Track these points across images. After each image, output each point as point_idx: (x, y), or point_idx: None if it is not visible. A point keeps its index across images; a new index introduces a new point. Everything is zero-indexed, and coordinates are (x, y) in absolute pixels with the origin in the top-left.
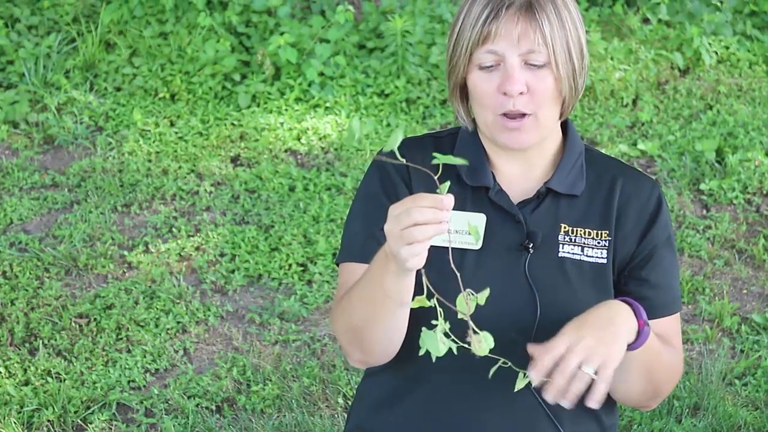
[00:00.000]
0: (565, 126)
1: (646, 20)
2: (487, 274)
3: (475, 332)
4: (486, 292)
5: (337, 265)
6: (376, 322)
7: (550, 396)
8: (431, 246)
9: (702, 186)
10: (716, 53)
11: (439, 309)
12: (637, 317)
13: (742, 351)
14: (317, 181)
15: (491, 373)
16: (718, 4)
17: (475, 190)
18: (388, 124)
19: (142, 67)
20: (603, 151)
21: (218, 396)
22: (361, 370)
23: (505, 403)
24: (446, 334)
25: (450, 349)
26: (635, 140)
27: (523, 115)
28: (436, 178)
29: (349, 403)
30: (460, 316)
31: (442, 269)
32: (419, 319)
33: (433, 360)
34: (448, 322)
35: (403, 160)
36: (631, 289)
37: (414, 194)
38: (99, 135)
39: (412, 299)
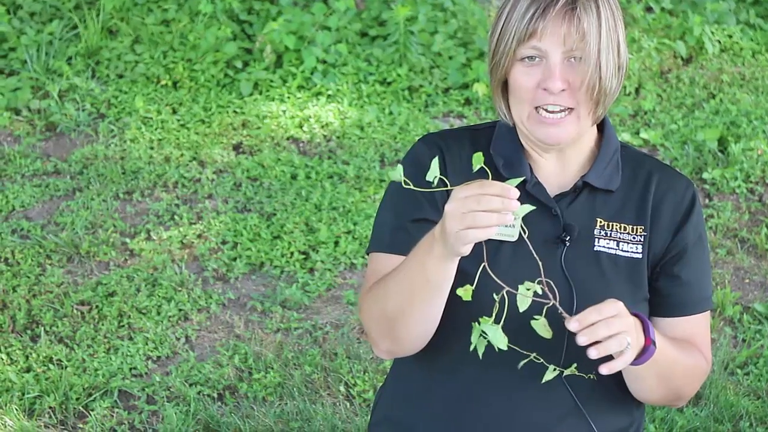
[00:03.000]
0: (601, 123)
1: (649, 9)
2: (525, 266)
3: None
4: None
5: (367, 254)
6: (413, 310)
7: (582, 338)
8: None
9: (704, 175)
10: (719, 42)
11: (503, 302)
12: (646, 335)
13: (743, 340)
14: (319, 169)
15: (520, 365)
16: None
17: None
18: (390, 113)
19: (144, 54)
20: None
21: (220, 384)
22: (365, 360)
23: (537, 396)
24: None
25: (489, 344)
26: (638, 129)
27: (562, 110)
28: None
29: (351, 391)
30: (550, 304)
31: (479, 258)
32: (451, 311)
33: (497, 350)
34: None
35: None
36: (662, 285)
37: (482, 180)
38: (101, 122)
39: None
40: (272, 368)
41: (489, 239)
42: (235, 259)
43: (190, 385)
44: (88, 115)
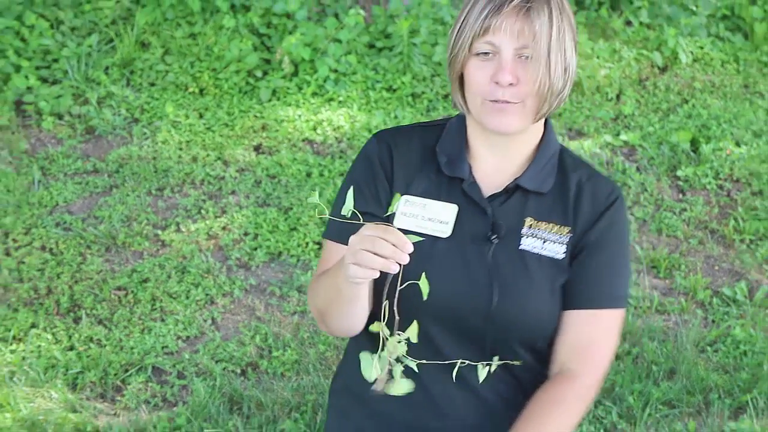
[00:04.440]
0: (545, 126)
1: (628, 23)
2: (454, 261)
3: (397, 366)
4: (414, 328)
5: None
6: (336, 310)
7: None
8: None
9: (678, 173)
10: (692, 53)
11: (383, 338)
12: None
13: (713, 321)
14: (331, 168)
15: (454, 375)
16: (694, 8)
17: (452, 180)
18: (396, 117)
19: (174, 65)
20: (589, 141)
21: (243, 361)
22: None
23: (475, 383)
24: (391, 365)
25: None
26: (618, 131)
27: (510, 103)
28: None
29: None
30: (393, 355)
31: (415, 255)
32: (387, 290)
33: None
34: (386, 352)
35: (360, 219)
36: (570, 276)
37: (388, 227)
38: (135, 126)
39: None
40: (290, 347)
41: (420, 238)
42: (256, 249)
43: (216, 362)
44: (124, 120)
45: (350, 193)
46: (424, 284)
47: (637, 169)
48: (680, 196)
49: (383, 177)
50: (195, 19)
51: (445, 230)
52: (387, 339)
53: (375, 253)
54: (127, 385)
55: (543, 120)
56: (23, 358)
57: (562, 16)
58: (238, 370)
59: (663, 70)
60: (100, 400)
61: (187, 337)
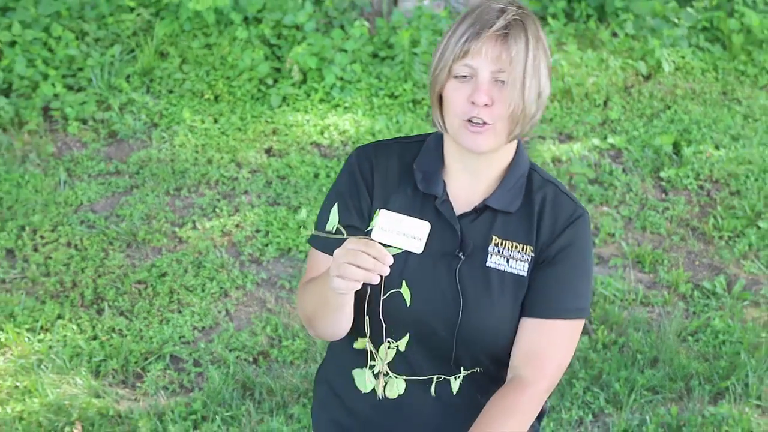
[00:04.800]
0: (516, 147)
1: (615, 34)
2: (425, 275)
3: (389, 375)
4: (405, 339)
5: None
6: (322, 317)
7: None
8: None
9: (662, 174)
10: (674, 62)
11: (371, 352)
12: None
13: (694, 313)
14: (338, 169)
15: (433, 390)
16: (676, 21)
17: (426, 196)
18: (397, 121)
19: (191, 73)
20: (578, 144)
21: (255, 349)
22: None
23: (439, 401)
24: (376, 375)
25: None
26: (605, 135)
27: (485, 123)
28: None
29: None
30: (378, 363)
31: (394, 267)
32: (366, 306)
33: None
34: (379, 362)
35: (344, 234)
36: (528, 287)
37: (369, 241)
38: (154, 130)
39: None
40: (298, 337)
41: (399, 250)
42: (267, 245)
43: (230, 350)
44: (144, 125)
45: (334, 209)
46: (405, 292)
47: (623, 170)
48: (663, 195)
49: (365, 190)
50: (210, 31)
51: (418, 246)
52: (376, 353)
53: (357, 266)
54: (146, 373)
55: (515, 141)
56: (50, 347)
57: (537, 44)
58: (250, 359)
59: (647, 78)
60: (122, 387)
61: (203, 328)
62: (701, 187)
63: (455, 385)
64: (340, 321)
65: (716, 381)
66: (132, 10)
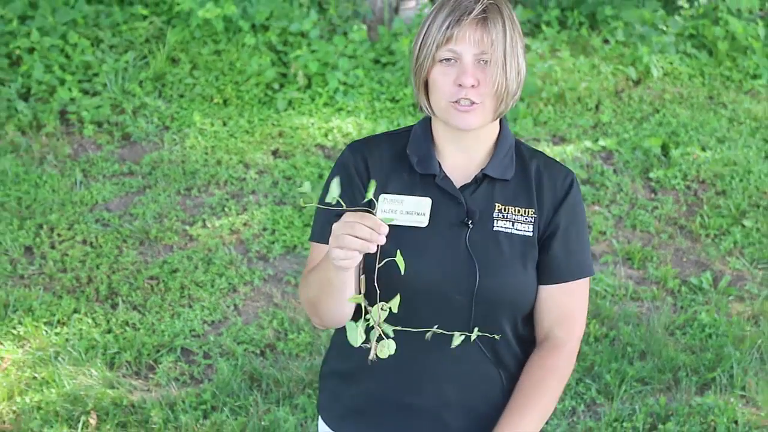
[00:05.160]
0: (500, 124)
1: (606, 41)
2: (435, 247)
3: (382, 338)
4: (397, 300)
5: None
6: (326, 300)
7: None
8: (393, 224)
9: (651, 174)
10: (662, 68)
11: (365, 308)
12: None
13: (681, 307)
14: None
15: (427, 336)
16: (664, 28)
17: (424, 177)
18: (398, 124)
19: (201, 78)
20: (571, 146)
21: (262, 342)
22: None
23: (455, 352)
24: (367, 331)
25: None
26: (597, 137)
27: (473, 103)
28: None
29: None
30: (371, 323)
31: (398, 242)
32: (363, 269)
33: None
34: (371, 321)
35: (343, 206)
36: (542, 257)
37: (365, 213)
38: (166, 133)
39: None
40: (303, 330)
41: (403, 228)
42: (273, 243)
43: (238, 343)
44: (156, 127)
45: (335, 181)
46: (399, 261)
47: (614, 171)
48: (652, 195)
49: (358, 182)
50: (219, 38)
51: (422, 221)
52: (369, 308)
53: (355, 236)
54: (158, 365)
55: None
56: (66, 340)
57: (513, 26)
58: (258, 351)
59: (637, 83)
60: (135, 378)
61: (212, 322)
62: (688, 188)
63: (457, 340)
64: (342, 303)
65: (703, 372)
66: (145, 18)
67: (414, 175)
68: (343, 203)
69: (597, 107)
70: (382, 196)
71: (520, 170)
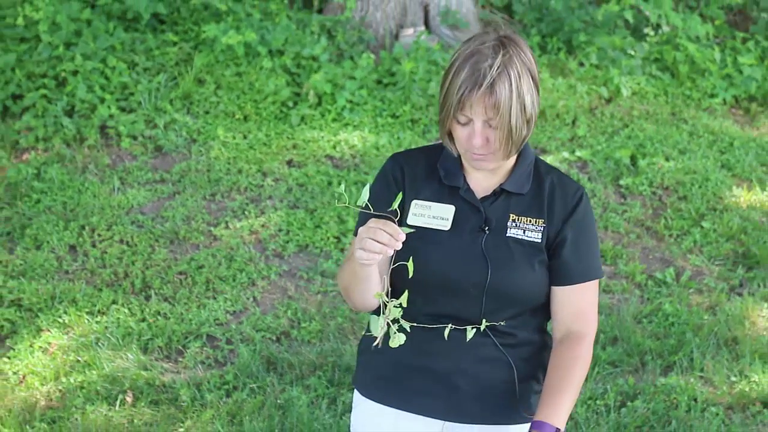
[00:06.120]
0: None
1: (581, 64)
2: (456, 248)
3: (398, 331)
4: (405, 295)
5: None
6: (354, 288)
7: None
8: (418, 226)
9: (621, 182)
10: (631, 88)
11: (385, 304)
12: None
13: (648, 299)
14: (347, 178)
15: (446, 334)
16: (632, 53)
17: (451, 188)
18: (398, 137)
19: (224, 97)
20: (551, 157)
21: (277, 330)
22: None
23: (466, 345)
24: (389, 324)
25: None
26: (573, 149)
27: (484, 154)
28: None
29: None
30: (384, 320)
31: (425, 241)
32: (398, 282)
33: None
34: (396, 314)
35: (371, 209)
36: (554, 263)
37: (387, 221)
38: (193, 145)
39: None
40: (315, 319)
41: (430, 230)
42: (288, 242)
43: (257, 331)
44: (184, 140)
45: (366, 189)
46: (410, 265)
47: (589, 178)
48: (622, 200)
49: (395, 188)
50: (240, 62)
51: (446, 225)
52: (389, 303)
53: (376, 241)
54: (186, 349)
55: None
56: (106, 328)
57: (521, 79)
58: (274, 338)
59: (608, 101)
60: (166, 361)
61: (234, 312)
62: (654, 193)
63: (470, 333)
64: (368, 292)
65: (666, 356)
66: (175, 44)
67: (442, 185)
68: (371, 207)
69: (573, 122)
70: (414, 202)
71: (536, 185)
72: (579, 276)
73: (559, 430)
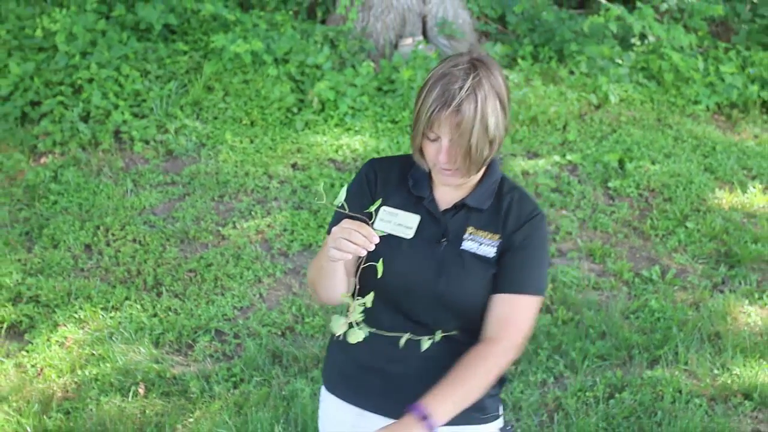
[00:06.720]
0: (490, 162)
1: (572, 72)
2: (414, 256)
3: (354, 326)
4: (371, 296)
5: None
6: (320, 282)
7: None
8: (384, 233)
9: (609, 184)
10: (619, 95)
11: (350, 303)
12: (420, 415)
13: (635, 295)
14: (349, 180)
15: (401, 343)
16: (620, 62)
17: (417, 198)
18: (398, 142)
19: (231, 103)
20: (543, 160)
21: (282, 325)
22: None
23: (415, 348)
24: (350, 325)
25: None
26: (564, 153)
27: (450, 169)
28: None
29: None
30: (345, 321)
31: (387, 246)
32: (363, 283)
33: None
34: (358, 317)
35: (346, 209)
36: (498, 269)
37: (361, 223)
38: (202, 149)
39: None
40: (318, 315)
41: (393, 236)
42: (292, 242)
43: (263, 326)
44: (194, 144)
45: (342, 190)
46: (380, 266)
47: (579, 181)
48: (610, 201)
49: (368, 192)
50: (247, 69)
51: (409, 233)
52: (352, 304)
53: (350, 241)
54: (196, 343)
55: None
56: (119, 323)
57: (487, 100)
58: (279, 332)
59: (597, 107)
60: (177, 354)
61: (241, 307)
62: (641, 195)
63: (426, 344)
64: (333, 286)
65: (652, 350)
66: (185, 53)
67: (411, 195)
68: (347, 207)
69: (564, 127)
70: (383, 208)
71: (496, 202)
72: (511, 285)
73: (430, 416)
